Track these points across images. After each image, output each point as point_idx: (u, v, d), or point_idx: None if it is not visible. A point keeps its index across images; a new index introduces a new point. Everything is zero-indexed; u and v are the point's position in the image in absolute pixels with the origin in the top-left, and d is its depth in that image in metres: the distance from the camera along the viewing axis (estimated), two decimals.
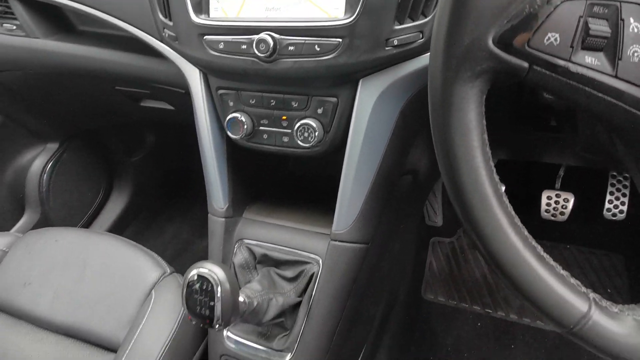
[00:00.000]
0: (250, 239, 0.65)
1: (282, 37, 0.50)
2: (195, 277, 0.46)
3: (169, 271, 0.76)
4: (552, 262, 0.31)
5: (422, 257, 1.16)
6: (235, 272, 0.65)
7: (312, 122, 0.53)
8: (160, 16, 0.59)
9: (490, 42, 0.26)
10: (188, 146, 0.74)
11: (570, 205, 0.97)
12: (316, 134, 0.53)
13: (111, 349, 0.69)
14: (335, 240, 0.58)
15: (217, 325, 0.46)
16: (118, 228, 1.29)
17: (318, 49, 0.49)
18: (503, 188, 0.31)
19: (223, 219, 0.65)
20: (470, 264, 1.14)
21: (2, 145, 1.07)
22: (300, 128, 0.54)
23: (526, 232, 0.31)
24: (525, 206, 1.11)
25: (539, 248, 0.32)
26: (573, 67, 0.25)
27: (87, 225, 1.26)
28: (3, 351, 0.73)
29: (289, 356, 0.60)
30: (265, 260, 0.64)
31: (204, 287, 0.45)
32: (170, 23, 0.58)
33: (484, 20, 0.25)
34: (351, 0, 0.47)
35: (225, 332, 0.64)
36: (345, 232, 0.57)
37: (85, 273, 0.78)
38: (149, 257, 0.78)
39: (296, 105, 0.54)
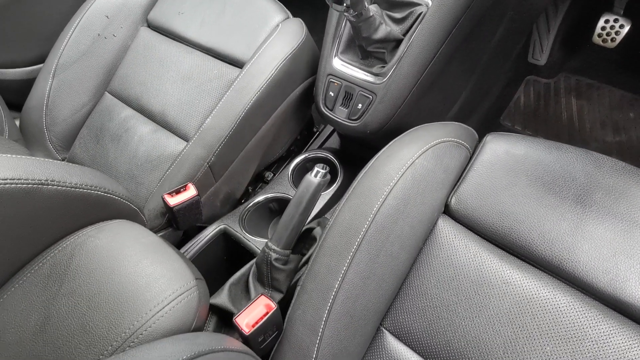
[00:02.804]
0: None
1: None
2: None
3: (292, 16, 0.89)
4: None
5: (511, 90, 1.18)
6: None
7: None
8: None
9: None
10: None
11: (624, 32, 0.92)
12: None
13: (239, 65, 0.87)
14: None
15: (345, 4, 0.57)
16: None
17: None
18: None
19: None
20: (560, 105, 1.15)
21: None
22: None
23: None
24: (581, 28, 1.05)
25: None
26: None
27: None
28: (164, 56, 0.93)
29: (383, 80, 0.72)
30: (380, 1, 0.73)
31: None
32: None
33: None
34: None
35: (334, 56, 0.77)
36: None
37: (226, 9, 0.93)
38: (278, 4, 0.91)
39: None
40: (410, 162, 0.59)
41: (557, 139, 1.12)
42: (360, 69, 0.75)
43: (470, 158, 0.62)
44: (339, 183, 0.85)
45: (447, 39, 0.69)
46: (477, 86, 0.98)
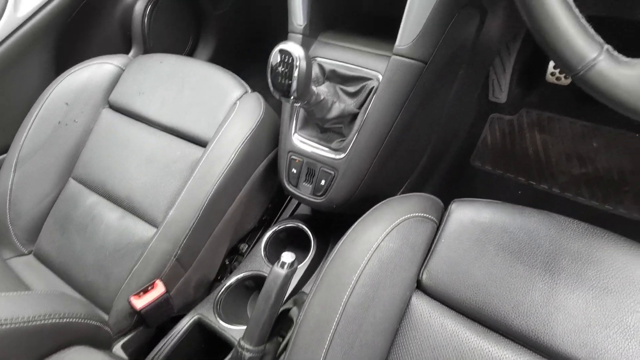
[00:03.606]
0: (322, 57, 0.75)
1: None
2: (280, 54, 0.57)
3: (250, 90, 0.90)
4: (576, 12, 0.36)
5: (477, 130, 1.20)
6: None
7: None
8: None
9: None
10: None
11: None
12: None
13: (202, 144, 0.87)
14: (397, 55, 0.65)
15: (292, 97, 0.58)
16: None
17: None
18: None
19: (300, 36, 0.74)
20: (525, 141, 1.17)
21: None
22: None
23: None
24: (534, 67, 1.08)
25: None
26: None
27: None
28: (127, 138, 0.93)
29: (343, 154, 0.73)
30: (333, 77, 0.74)
31: (286, 60, 0.56)
32: None
33: None
34: None
35: (292, 134, 0.78)
36: (406, 48, 0.64)
37: (184, 87, 0.94)
38: (235, 79, 0.92)
39: None
40: (375, 246, 0.58)
41: (527, 176, 1.13)
42: (320, 144, 0.75)
43: (437, 229, 0.62)
44: (313, 254, 0.84)
45: (401, 109, 0.70)
46: (442, 136, 0.99)
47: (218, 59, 1.48)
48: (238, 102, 0.86)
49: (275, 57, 0.57)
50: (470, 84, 1.00)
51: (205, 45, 1.46)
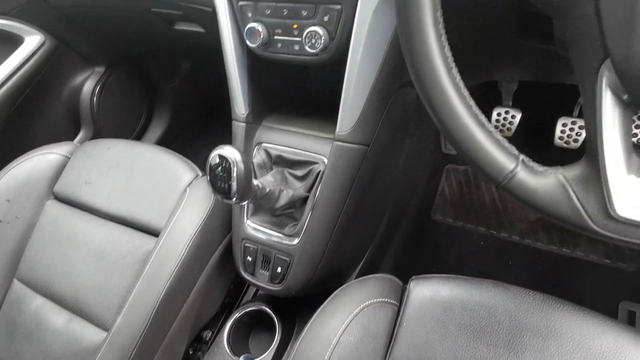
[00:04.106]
0: (267, 142, 0.75)
1: None
2: (217, 158, 0.56)
3: (201, 174, 0.88)
4: (490, 128, 0.38)
5: (434, 183, 1.22)
6: (254, 171, 0.75)
7: (319, 29, 0.59)
8: None
9: None
10: (220, 71, 0.82)
11: (516, 121, 1.00)
12: (322, 40, 0.59)
13: (154, 234, 0.83)
14: (338, 141, 0.66)
15: (234, 199, 0.57)
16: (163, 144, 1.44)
17: None
18: (453, 66, 0.37)
19: (244, 124, 0.74)
20: (481, 190, 1.20)
21: (57, 68, 1.20)
22: (308, 35, 0.60)
23: (471, 102, 0.37)
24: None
25: (481, 115, 0.38)
26: None
27: None
28: (73, 233, 0.89)
29: (296, 240, 0.71)
30: (280, 161, 0.74)
31: (224, 164, 0.55)
32: None
33: None
34: None
35: (246, 221, 0.76)
36: (347, 134, 0.65)
37: (133, 174, 0.91)
38: (186, 163, 0.90)
39: (305, 14, 0.60)
40: (335, 342, 0.56)
41: (487, 225, 1.15)
42: (273, 230, 0.74)
43: (398, 312, 0.60)
44: (278, 341, 0.80)
45: (350, 191, 0.69)
46: (399, 197, 1.00)
47: (174, 130, 1.47)
48: (188, 188, 0.84)
49: (214, 159, 0.56)
50: (421, 143, 1.03)
51: (160, 118, 1.45)
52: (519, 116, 1.05)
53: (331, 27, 0.59)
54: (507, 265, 1.08)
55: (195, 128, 1.54)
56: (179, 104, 1.45)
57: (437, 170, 1.24)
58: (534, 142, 1.17)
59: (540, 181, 0.36)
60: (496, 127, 1.08)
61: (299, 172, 0.72)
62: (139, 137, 1.43)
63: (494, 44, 0.70)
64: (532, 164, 0.37)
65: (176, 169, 0.89)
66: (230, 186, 0.56)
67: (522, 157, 0.38)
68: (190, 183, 0.86)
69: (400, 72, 0.63)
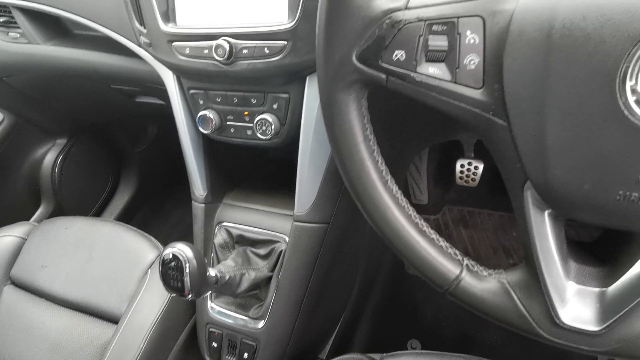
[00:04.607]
0: (228, 221, 0.73)
1: (237, 41, 0.56)
2: (170, 256, 0.54)
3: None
4: (432, 235, 0.37)
5: None
6: (216, 251, 0.73)
7: (268, 117, 0.60)
8: (136, 24, 0.66)
9: (354, 58, 0.32)
10: None
11: (479, 171, 1.03)
12: (273, 127, 0.60)
13: (114, 320, 0.79)
14: (297, 221, 0.65)
15: (189, 296, 0.54)
16: (127, 215, 1.39)
17: (267, 51, 0.55)
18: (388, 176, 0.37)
19: (203, 205, 0.73)
20: (454, 240, 1.20)
21: (17, 142, 1.17)
22: (259, 122, 0.60)
23: (410, 211, 0.37)
24: (445, 170, 1.17)
25: (421, 222, 0.38)
26: (418, 77, 0.31)
27: (98, 214, 1.37)
28: (29, 323, 0.84)
29: (262, 323, 0.68)
30: (242, 241, 0.72)
31: (175, 264, 0.53)
32: (145, 30, 0.64)
33: (347, 42, 0.31)
34: (292, 6, 0.52)
35: (209, 304, 0.73)
36: (305, 214, 0.64)
37: (92, 256, 0.87)
38: (148, 241, 0.87)
39: (255, 102, 0.60)
40: None
41: None
42: (238, 312, 0.71)
43: None
44: None
45: (314, 269, 0.68)
46: (371, 258, 0.98)
47: (142, 193, 1.44)
48: (150, 269, 0.81)
49: (166, 256, 0.54)
50: None
51: (127, 182, 1.42)
52: (481, 166, 1.08)
53: (281, 114, 0.60)
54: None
55: (165, 189, 1.51)
56: (146, 167, 1.43)
57: None
58: (501, 189, 1.19)
59: (485, 287, 0.36)
60: (461, 178, 1.10)
61: (262, 251, 0.71)
62: (105, 204, 1.39)
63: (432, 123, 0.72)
64: (476, 268, 0.37)
65: (137, 249, 0.85)
66: (183, 283, 0.54)
67: (466, 261, 0.37)
68: (153, 263, 0.83)
69: None
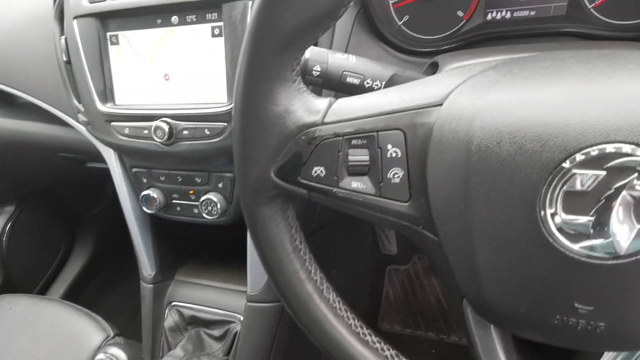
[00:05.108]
0: (180, 301, 0.68)
1: (178, 122, 0.54)
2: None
3: (112, 334, 0.78)
4: (376, 345, 0.35)
5: (379, 286, 1.19)
6: (166, 335, 0.67)
7: (213, 197, 0.57)
8: (74, 102, 0.63)
9: (272, 174, 0.30)
10: None
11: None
12: (219, 206, 0.57)
13: None
14: (251, 302, 0.61)
15: None
16: (79, 286, 1.31)
17: (208, 132, 0.53)
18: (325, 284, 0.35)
19: (151, 286, 0.68)
20: (425, 289, 1.17)
21: None
22: (205, 202, 0.57)
23: (351, 321, 0.35)
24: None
25: (363, 332, 0.35)
26: (340, 193, 0.29)
27: (50, 281, 1.27)
28: None
29: None
30: (195, 322, 0.67)
31: None
32: (82, 109, 0.61)
33: (263, 157, 0.29)
34: (231, 87, 0.51)
35: None
36: (258, 293, 0.60)
37: (37, 338, 0.80)
38: (95, 322, 0.80)
39: (199, 181, 0.58)
40: None
41: (436, 329, 1.11)
42: None
43: None
44: None
45: (272, 351, 0.63)
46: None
47: (99, 256, 1.36)
48: (97, 355, 0.74)
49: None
50: (356, 254, 1.00)
51: (83, 246, 1.34)
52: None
53: (227, 193, 0.57)
54: None
55: (125, 250, 1.43)
56: (104, 229, 1.36)
57: (380, 273, 1.22)
58: None
59: None
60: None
61: (216, 332, 0.66)
62: (58, 269, 1.30)
63: None
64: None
65: (83, 332, 0.79)
66: None
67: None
68: (100, 346, 0.76)
69: (306, 227, 0.62)
